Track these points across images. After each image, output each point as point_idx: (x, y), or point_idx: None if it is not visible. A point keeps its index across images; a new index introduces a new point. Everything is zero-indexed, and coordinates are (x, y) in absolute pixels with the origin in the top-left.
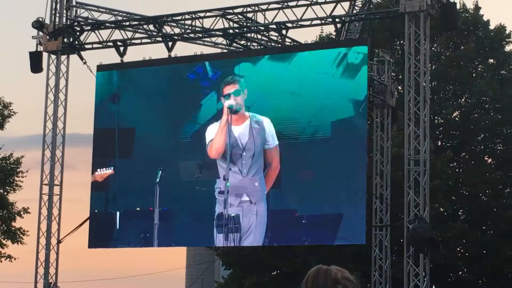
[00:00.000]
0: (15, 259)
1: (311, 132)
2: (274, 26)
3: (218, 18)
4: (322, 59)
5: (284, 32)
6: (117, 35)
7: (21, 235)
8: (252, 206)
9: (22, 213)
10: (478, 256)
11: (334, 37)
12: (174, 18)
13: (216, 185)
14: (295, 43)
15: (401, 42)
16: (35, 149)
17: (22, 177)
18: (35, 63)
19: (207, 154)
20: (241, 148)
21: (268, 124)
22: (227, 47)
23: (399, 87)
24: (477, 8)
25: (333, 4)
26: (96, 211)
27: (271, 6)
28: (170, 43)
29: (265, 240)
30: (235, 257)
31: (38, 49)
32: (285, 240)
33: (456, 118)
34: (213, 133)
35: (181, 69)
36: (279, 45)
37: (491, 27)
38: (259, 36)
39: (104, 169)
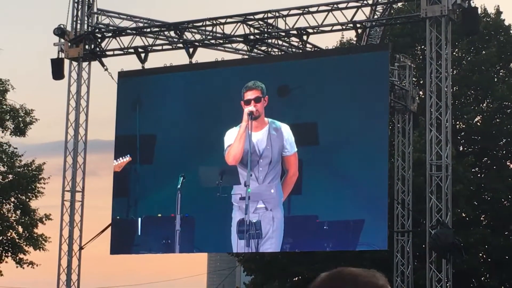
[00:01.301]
0: (37, 265)
1: (333, 137)
2: (295, 32)
3: (239, 24)
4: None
5: (305, 37)
6: (138, 41)
7: (43, 242)
8: (268, 213)
9: (44, 219)
10: (501, 262)
11: (355, 42)
12: (195, 24)
13: (233, 191)
14: (316, 49)
15: (422, 47)
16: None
17: (44, 183)
18: (57, 70)
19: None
20: (258, 155)
21: (286, 131)
22: (248, 53)
23: (420, 92)
24: (498, 12)
25: (354, 10)
26: (118, 217)
27: (292, 12)
28: (191, 50)
29: (286, 246)
30: (257, 263)
31: (60, 56)
32: (307, 246)
33: (478, 123)
34: (232, 139)
35: (202, 75)
36: (300, 51)
37: None
38: (280, 42)
39: (120, 158)
